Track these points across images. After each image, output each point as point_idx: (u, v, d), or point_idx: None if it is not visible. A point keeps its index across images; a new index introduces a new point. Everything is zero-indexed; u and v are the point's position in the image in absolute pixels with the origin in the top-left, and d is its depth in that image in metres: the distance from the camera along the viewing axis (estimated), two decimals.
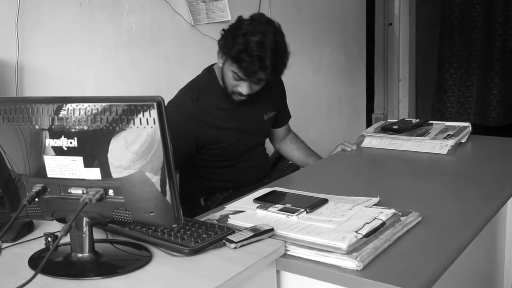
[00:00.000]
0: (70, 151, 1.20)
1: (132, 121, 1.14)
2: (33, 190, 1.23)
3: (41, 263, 1.09)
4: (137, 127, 1.14)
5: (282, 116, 2.45)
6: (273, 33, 1.98)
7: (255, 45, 1.94)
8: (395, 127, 2.38)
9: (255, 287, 1.28)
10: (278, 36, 2.00)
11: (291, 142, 2.52)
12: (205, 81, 2.19)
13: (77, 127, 1.18)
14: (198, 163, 2.18)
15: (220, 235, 1.34)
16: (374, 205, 1.54)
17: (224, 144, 2.15)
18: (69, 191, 1.23)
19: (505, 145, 2.38)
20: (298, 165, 2.55)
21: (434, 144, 2.22)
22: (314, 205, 1.52)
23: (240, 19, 2.06)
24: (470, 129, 2.36)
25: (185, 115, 2.05)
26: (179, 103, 2.09)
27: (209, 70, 2.21)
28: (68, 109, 1.19)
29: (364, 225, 1.36)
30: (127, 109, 1.14)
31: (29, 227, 1.48)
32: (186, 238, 1.32)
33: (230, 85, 2.07)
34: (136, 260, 1.27)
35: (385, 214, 1.43)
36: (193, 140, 2.09)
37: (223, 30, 2.08)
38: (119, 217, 1.22)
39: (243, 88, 2.04)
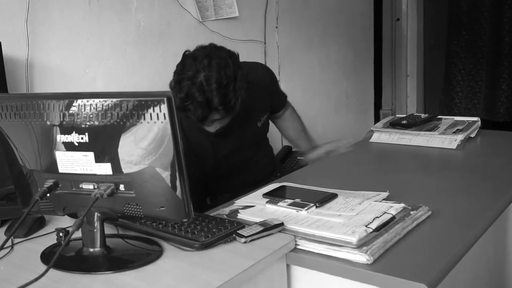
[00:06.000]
0: (81, 147, 1.20)
1: (142, 116, 1.14)
2: (45, 186, 1.24)
3: (53, 258, 1.10)
4: (148, 122, 1.14)
5: (276, 105, 2.33)
6: (216, 68, 1.77)
7: (196, 90, 1.76)
8: (404, 122, 2.38)
9: (265, 281, 1.29)
10: (222, 71, 1.78)
11: (287, 119, 2.40)
12: (189, 118, 1.98)
13: (88, 123, 1.19)
14: None
15: (230, 230, 1.34)
16: (383, 199, 1.54)
17: (223, 167, 2.08)
18: (80, 186, 1.24)
19: None
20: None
21: (443, 139, 2.21)
22: (323, 199, 1.52)
23: (183, 58, 1.87)
24: (479, 124, 2.35)
25: None
26: None
27: None
28: (78, 104, 1.19)
29: (374, 219, 1.36)
30: (137, 104, 1.14)
31: (40, 223, 1.49)
32: (196, 232, 1.32)
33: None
34: (147, 255, 1.28)
35: (394, 208, 1.43)
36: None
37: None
38: (130, 211, 1.23)
39: (210, 129, 1.90)
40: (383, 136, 2.36)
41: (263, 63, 3.31)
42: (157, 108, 1.13)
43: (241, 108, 1.91)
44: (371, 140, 2.37)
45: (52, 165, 1.25)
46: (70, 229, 1.17)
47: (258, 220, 1.42)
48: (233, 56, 1.88)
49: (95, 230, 1.27)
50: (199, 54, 1.83)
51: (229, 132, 2.00)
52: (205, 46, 1.88)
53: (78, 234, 1.24)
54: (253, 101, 2.05)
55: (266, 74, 2.23)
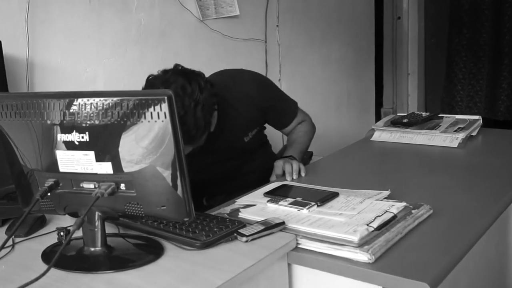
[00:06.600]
0: (82, 146, 1.20)
1: (143, 115, 1.14)
2: (46, 185, 1.23)
3: (54, 257, 1.10)
4: (148, 121, 1.14)
5: (277, 121, 2.16)
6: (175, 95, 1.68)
7: None
8: (405, 120, 2.38)
9: (266, 281, 1.29)
10: (179, 101, 1.65)
11: (290, 133, 2.21)
12: None
13: (89, 122, 1.18)
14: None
15: (231, 229, 1.34)
16: (385, 198, 1.54)
17: (209, 177, 2.01)
18: (81, 185, 1.24)
19: None
20: None
21: (444, 137, 2.21)
22: (324, 198, 1.52)
23: (145, 83, 1.78)
24: (481, 122, 2.35)
25: None
26: None
27: None
28: (79, 103, 1.19)
29: (375, 218, 1.35)
30: (138, 103, 1.14)
31: (41, 222, 1.49)
32: (197, 231, 1.32)
33: None
34: (148, 254, 1.28)
35: (396, 207, 1.43)
36: None
37: None
38: (131, 211, 1.23)
39: None
40: (384, 135, 2.35)
41: (264, 62, 3.31)
42: (157, 107, 1.12)
43: (217, 129, 1.85)
44: (372, 139, 2.36)
45: (53, 164, 1.24)
46: (71, 228, 1.17)
47: (259, 219, 1.42)
48: (196, 79, 1.75)
49: (96, 229, 1.27)
50: (156, 81, 1.74)
51: (204, 150, 1.88)
52: (167, 70, 1.78)
53: (79, 233, 1.24)
54: (235, 117, 1.95)
55: (254, 87, 2.01)
